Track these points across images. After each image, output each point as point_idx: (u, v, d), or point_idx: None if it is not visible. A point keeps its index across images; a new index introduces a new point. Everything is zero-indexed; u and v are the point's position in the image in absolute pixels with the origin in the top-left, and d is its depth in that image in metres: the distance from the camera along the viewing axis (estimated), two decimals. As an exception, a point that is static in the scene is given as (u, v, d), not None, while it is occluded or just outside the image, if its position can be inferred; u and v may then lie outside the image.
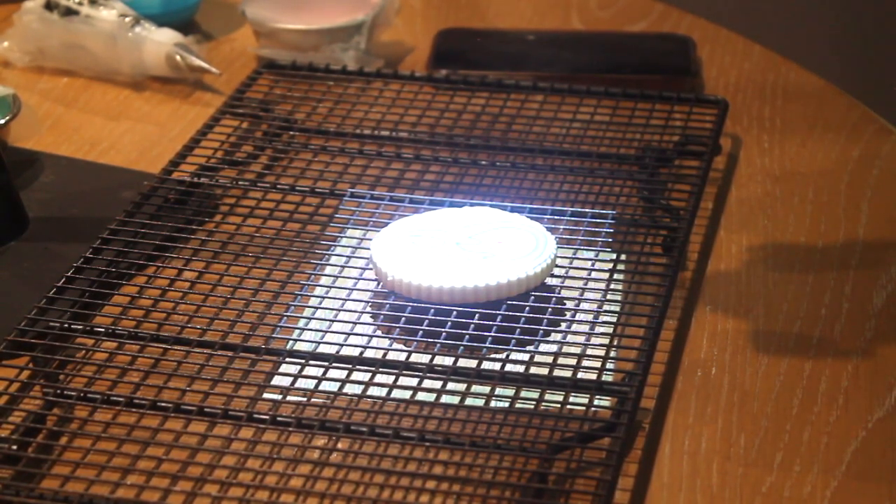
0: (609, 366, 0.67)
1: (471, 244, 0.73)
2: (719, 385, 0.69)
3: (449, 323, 0.69)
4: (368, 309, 0.71)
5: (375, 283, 0.73)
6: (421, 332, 0.69)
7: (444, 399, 0.66)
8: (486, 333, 0.69)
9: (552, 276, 0.73)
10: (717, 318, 0.74)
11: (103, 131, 0.93)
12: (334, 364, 0.67)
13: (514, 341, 0.68)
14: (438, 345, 0.68)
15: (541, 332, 0.68)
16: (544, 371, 0.66)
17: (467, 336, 0.68)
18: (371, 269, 0.73)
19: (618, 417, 0.63)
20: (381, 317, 0.71)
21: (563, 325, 0.70)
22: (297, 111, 0.90)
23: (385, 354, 0.68)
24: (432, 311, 0.70)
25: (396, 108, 0.90)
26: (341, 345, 0.69)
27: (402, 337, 0.69)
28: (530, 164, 0.84)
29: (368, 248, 0.74)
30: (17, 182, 0.82)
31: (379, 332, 0.70)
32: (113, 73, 0.98)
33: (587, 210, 0.79)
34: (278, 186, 0.82)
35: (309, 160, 0.85)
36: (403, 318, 0.70)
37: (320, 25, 0.97)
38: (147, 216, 0.79)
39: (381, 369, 0.67)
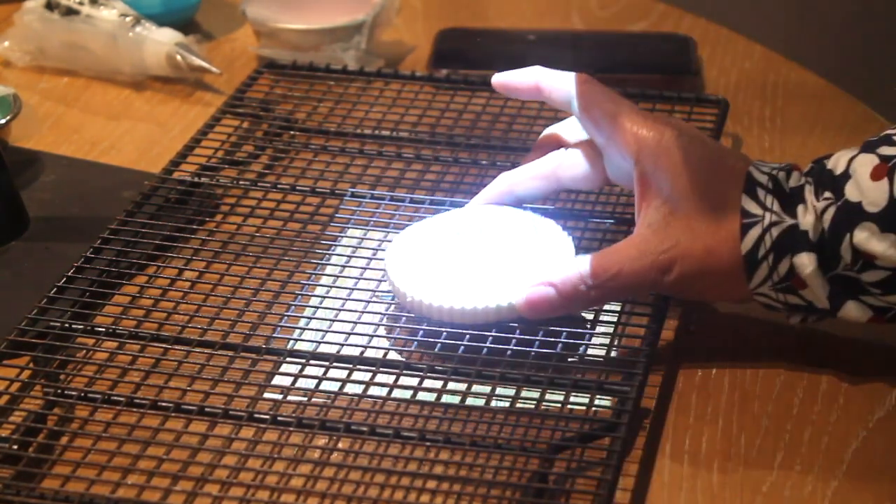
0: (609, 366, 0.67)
1: (492, 252, 0.71)
2: (719, 385, 0.69)
3: (450, 327, 0.70)
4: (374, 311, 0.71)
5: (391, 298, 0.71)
6: (422, 333, 0.69)
7: (445, 399, 0.66)
8: (486, 333, 0.69)
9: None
10: (717, 318, 0.74)
11: (104, 131, 0.93)
12: (335, 364, 0.67)
13: (514, 341, 0.68)
14: (438, 345, 0.69)
15: (541, 332, 0.68)
16: (545, 371, 0.66)
17: (467, 336, 0.68)
18: (385, 281, 0.71)
19: (618, 417, 0.63)
20: (394, 328, 0.71)
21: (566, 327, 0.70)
22: (297, 111, 0.90)
23: (386, 354, 0.68)
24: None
25: (397, 107, 0.90)
26: (342, 344, 0.69)
27: (403, 337, 0.70)
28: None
29: (381, 259, 0.73)
30: (18, 182, 0.82)
31: (380, 332, 0.70)
32: (113, 73, 0.98)
33: (588, 210, 0.79)
34: (279, 186, 0.82)
35: (309, 160, 0.85)
36: (404, 319, 0.70)
37: (321, 25, 0.97)
38: (147, 216, 0.79)
39: (381, 369, 0.67)
